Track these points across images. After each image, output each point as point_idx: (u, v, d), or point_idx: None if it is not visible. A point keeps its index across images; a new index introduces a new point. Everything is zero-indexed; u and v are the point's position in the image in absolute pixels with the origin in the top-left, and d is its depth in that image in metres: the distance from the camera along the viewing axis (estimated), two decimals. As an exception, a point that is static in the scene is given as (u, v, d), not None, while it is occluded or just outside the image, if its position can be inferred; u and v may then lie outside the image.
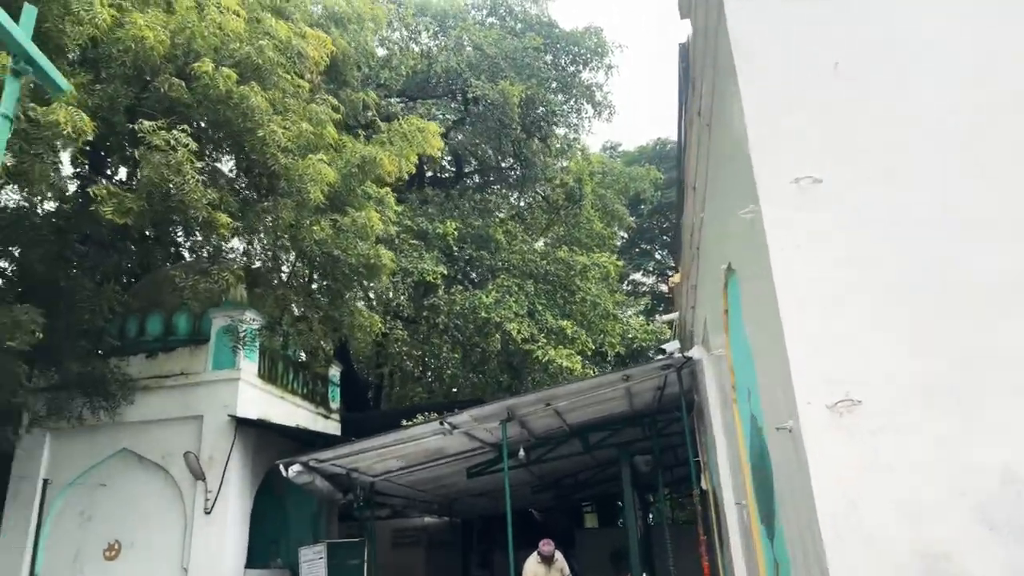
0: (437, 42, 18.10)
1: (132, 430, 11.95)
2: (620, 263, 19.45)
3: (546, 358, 14.60)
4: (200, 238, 9.81)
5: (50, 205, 10.97)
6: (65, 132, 6.08)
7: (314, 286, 10.61)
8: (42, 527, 11.57)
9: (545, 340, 15.23)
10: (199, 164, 7.35)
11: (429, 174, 21.95)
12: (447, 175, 22.79)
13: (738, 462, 5.37)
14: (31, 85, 5.67)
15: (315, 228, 8.45)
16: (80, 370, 10.46)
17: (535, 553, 9.48)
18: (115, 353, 12.13)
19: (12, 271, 10.33)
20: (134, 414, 11.91)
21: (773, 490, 4.02)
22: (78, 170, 10.83)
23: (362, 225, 8.81)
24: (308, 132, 8.41)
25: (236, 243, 10.11)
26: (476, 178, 22.59)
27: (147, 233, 12.58)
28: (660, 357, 9.52)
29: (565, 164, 20.33)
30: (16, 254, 10.68)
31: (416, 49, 18.45)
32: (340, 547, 11.19)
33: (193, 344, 12.48)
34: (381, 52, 17.89)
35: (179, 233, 12.11)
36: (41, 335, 8.14)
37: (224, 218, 7.58)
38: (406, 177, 10.50)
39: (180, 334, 12.80)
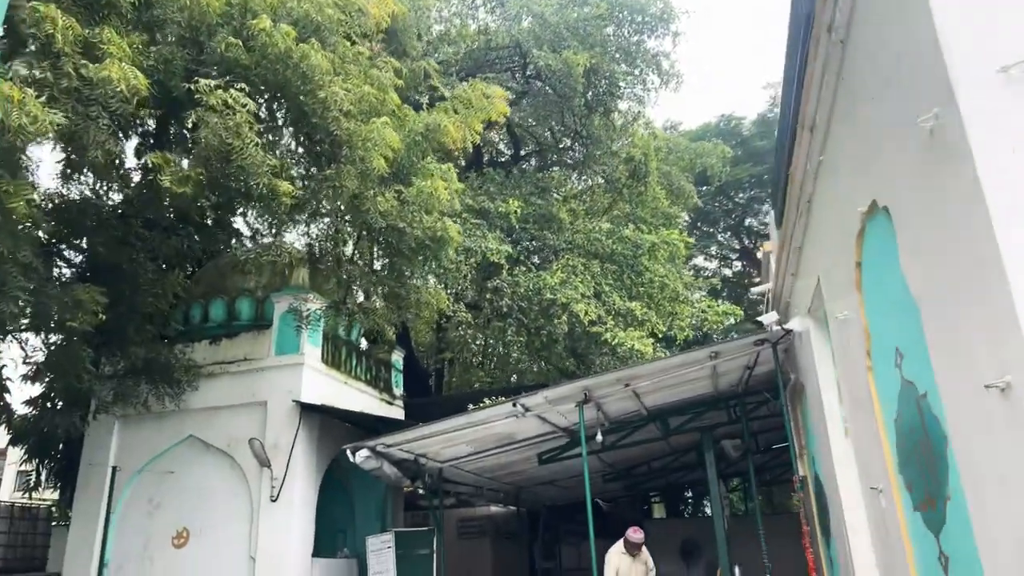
0: (494, 16, 17.48)
1: (198, 417, 11.81)
2: (691, 240, 18.50)
3: (615, 340, 13.89)
4: (260, 216, 9.46)
5: (116, 196, 10.88)
6: (119, 89, 5.73)
7: (377, 265, 10.18)
8: (112, 514, 11.51)
9: (613, 322, 14.52)
10: (258, 127, 6.96)
11: (486, 157, 21.44)
12: (504, 158, 22.23)
13: (874, 440, 4.61)
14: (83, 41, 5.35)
15: (379, 199, 7.99)
16: (145, 356, 10.30)
17: (620, 542, 8.83)
18: (179, 339, 12.03)
19: (79, 260, 10.23)
20: (199, 401, 11.76)
21: (947, 468, 3.28)
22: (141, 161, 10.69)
23: (428, 195, 8.30)
24: (371, 95, 7.93)
25: (297, 221, 9.72)
26: (534, 160, 21.95)
27: (208, 219, 12.44)
28: (753, 335, 8.73)
29: (627, 140, 19.51)
30: (83, 244, 10.60)
31: (473, 26, 17.89)
32: (408, 536, 10.78)
33: (256, 329, 12.27)
34: (437, 29, 17.41)
35: (240, 212, 11.85)
36: (104, 316, 7.92)
37: (286, 186, 7.17)
38: (471, 147, 9.96)
39: (243, 319, 12.62)
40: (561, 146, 21.78)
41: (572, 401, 8.91)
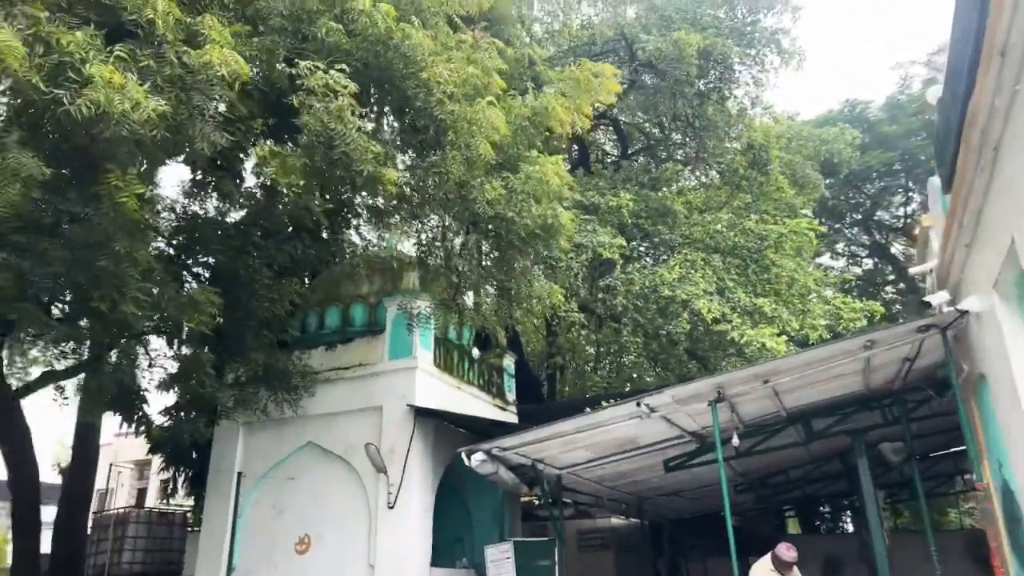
0: (596, 9, 16.90)
1: (316, 423, 11.86)
2: (823, 228, 17.01)
3: (743, 339, 12.82)
4: (368, 214, 9.31)
5: (235, 214, 11.18)
6: (220, 75, 5.65)
7: (485, 263, 9.80)
8: (238, 519, 11.72)
9: (739, 320, 13.45)
10: (361, 110, 6.74)
11: (592, 158, 20.83)
12: (611, 159, 21.53)
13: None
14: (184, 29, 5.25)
15: (486, 187, 7.59)
16: (265, 362, 10.42)
17: (767, 559, 7.89)
18: (297, 347, 12.18)
19: (198, 270, 10.53)
20: (317, 407, 11.81)
21: None
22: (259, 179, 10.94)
23: (537, 180, 7.82)
24: (474, 77, 7.58)
25: (403, 213, 9.51)
26: (643, 158, 21.11)
27: (322, 229, 12.58)
28: (909, 322, 7.60)
29: (744, 127, 18.29)
30: (203, 256, 10.92)
31: (577, 22, 17.38)
32: (529, 546, 10.25)
33: (370, 335, 12.25)
34: (538, 28, 17.05)
35: (349, 216, 11.89)
36: (220, 320, 7.95)
37: (391, 173, 6.91)
38: (580, 132, 9.42)
39: (357, 325, 12.64)
40: (671, 141, 20.83)
41: (703, 400, 8.09)
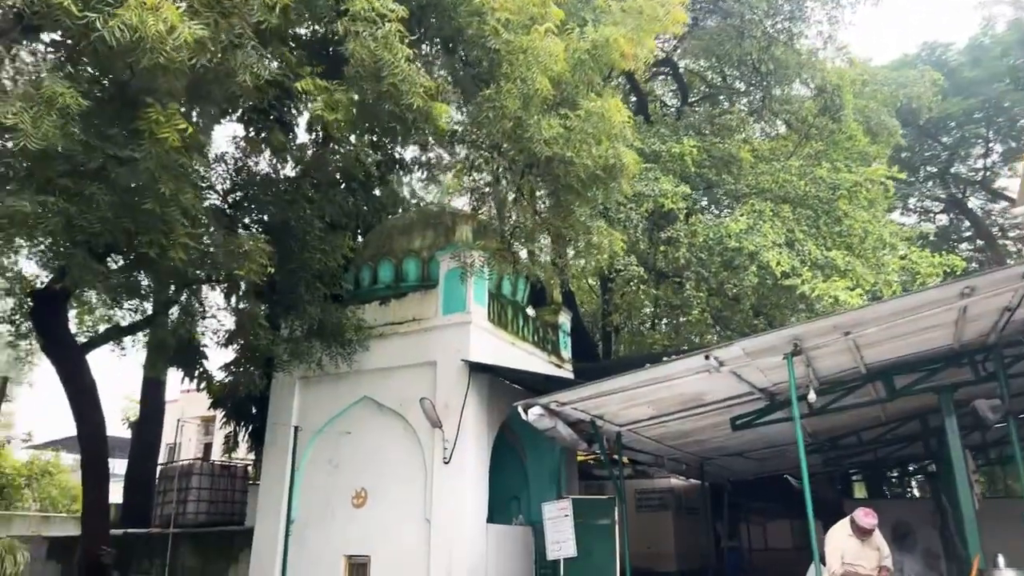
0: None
1: (371, 378, 11.76)
2: (902, 175, 15.89)
3: (814, 293, 12.07)
4: (420, 160, 8.94)
5: (288, 171, 11.01)
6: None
7: (540, 206, 9.32)
8: (296, 472, 11.78)
9: (810, 274, 12.68)
10: (409, 38, 6.31)
11: (650, 109, 19.93)
12: (670, 108, 20.59)
13: None
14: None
15: (543, 124, 7.10)
16: (319, 316, 10.30)
17: (845, 524, 7.40)
18: (351, 302, 12.06)
19: (248, 222, 10.42)
20: (371, 362, 11.69)
21: None
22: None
23: (599, 117, 7.28)
24: (530, 4, 7.04)
25: (455, 154, 9.12)
26: (704, 107, 20.09)
27: (373, 179, 12.31)
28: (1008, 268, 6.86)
29: (815, 72, 17.11)
30: (261, 217, 10.80)
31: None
32: (587, 504, 9.97)
33: (423, 289, 12.04)
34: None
35: (400, 164, 11.59)
36: (272, 270, 7.76)
37: (442, 107, 6.49)
38: (643, 68, 8.79)
39: (410, 280, 12.46)
40: (734, 89, 19.74)
41: (777, 354, 7.54)
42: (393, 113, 6.46)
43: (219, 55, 5.37)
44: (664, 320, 20.73)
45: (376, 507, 11.11)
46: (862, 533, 7.22)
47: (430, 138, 6.83)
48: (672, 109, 20.19)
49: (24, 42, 5.60)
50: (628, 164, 7.69)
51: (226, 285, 8.80)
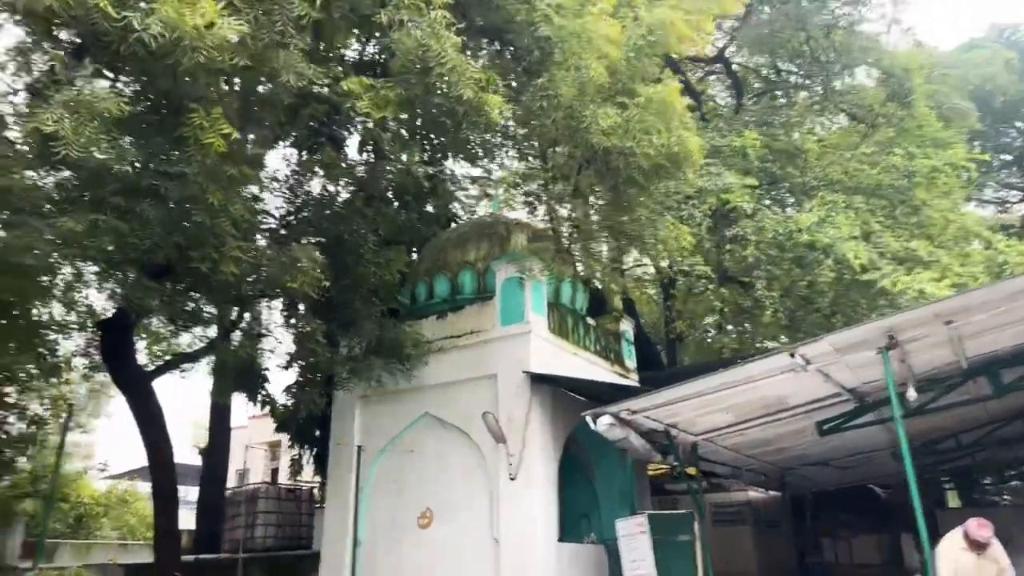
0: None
1: (432, 393, 11.48)
2: (985, 156, 14.83)
3: (897, 287, 11.23)
4: (472, 151, 8.61)
5: (345, 194, 10.95)
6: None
7: (598, 204, 8.86)
8: (360, 493, 11.54)
9: (891, 267, 11.83)
10: (458, 25, 6.04)
11: (704, 109, 19.28)
12: (724, 107, 19.88)
13: None
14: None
15: (600, 114, 6.70)
16: (377, 331, 10.10)
17: (956, 535, 6.64)
18: (408, 318, 11.85)
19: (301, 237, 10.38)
20: (431, 377, 11.42)
21: None
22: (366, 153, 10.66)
23: (659, 103, 6.84)
24: (580, -13, 6.71)
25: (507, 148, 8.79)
26: (761, 103, 19.32)
27: (424, 189, 12.13)
28: None
29: (878, 58, 16.22)
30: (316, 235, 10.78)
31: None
32: (665, 520, 9.37)
33: (480, 301, 11.75)
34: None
35: (453, 185, 11.40)
36: (327, 283, 7.56)
37: (495, 99, 6.15)
38: (705, 53, 8.31)
39: (467, 292, 12.20)
40: (791, 83, 18.92)
41: (869, 348, 6.89)
42: (442, 107, 6.20)
43: (260, 53, 5.18)
44: (731, 326, 19.85)
45: (442, 527, 10.75)
46: (977, 547, 6.46)
47: (481, 136, 6.52)
48: (726, 108, 19.49)
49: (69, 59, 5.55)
50: (693, 151, 7.20)
51: (284, 303, 8.66)
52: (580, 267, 12.32)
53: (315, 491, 16.78)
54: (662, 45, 7.39)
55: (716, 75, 20.67)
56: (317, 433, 15.11)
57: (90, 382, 18.57)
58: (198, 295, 7.66)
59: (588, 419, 8.36)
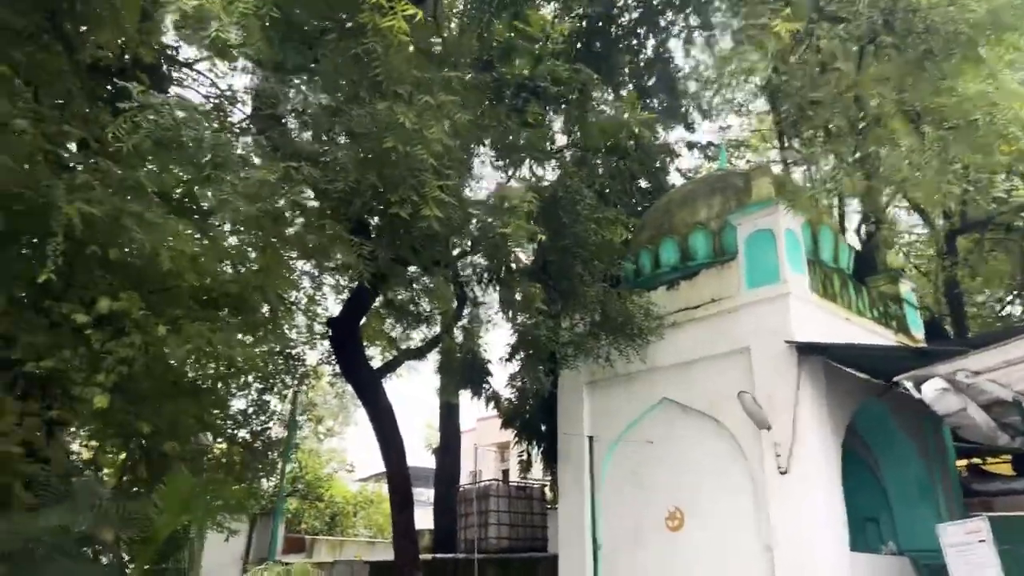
0: None
1: (668, 375, 9.89)
2: None
3: None
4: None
5: None
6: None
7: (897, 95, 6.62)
8: (596, 490, 10.24)
9: None
10: None
11: None
12: None
13: None
14: None
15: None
16: (601, 302, 8.81)
17: None
18: (633, 292, 10.37)
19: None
20: (666, 356, 9.85)
21: None
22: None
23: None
24: None
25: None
26: None
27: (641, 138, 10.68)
28: None
29: None
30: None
31: None
32: (1012, 525, 6.87)
33: (718, 264, 9.96)
34: None
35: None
36: (542, 236, 6.39)
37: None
38: None
39: (700, 257, 10.47)
40: None
41: None
42: None
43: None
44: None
45: (697, 530, 9.08)
46: None
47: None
48: None
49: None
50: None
51: (497, 271, 7.69)
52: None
53: (546, 490, 15.90)
54: None
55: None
56: (544, 428, 14.24)
57: (335, 388, 19.56)
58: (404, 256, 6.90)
59: (908, 385, 6.17)
